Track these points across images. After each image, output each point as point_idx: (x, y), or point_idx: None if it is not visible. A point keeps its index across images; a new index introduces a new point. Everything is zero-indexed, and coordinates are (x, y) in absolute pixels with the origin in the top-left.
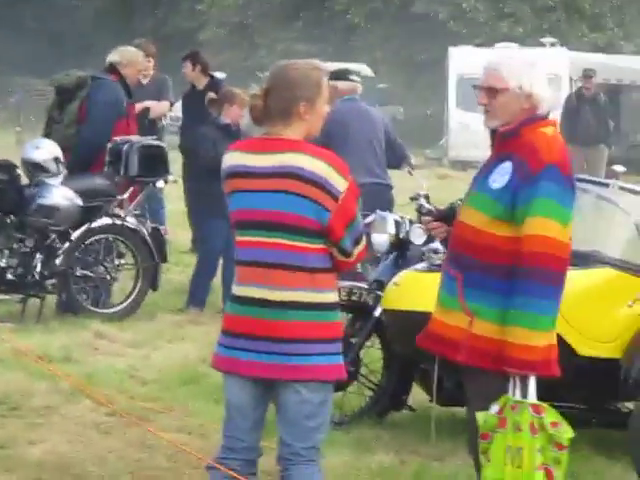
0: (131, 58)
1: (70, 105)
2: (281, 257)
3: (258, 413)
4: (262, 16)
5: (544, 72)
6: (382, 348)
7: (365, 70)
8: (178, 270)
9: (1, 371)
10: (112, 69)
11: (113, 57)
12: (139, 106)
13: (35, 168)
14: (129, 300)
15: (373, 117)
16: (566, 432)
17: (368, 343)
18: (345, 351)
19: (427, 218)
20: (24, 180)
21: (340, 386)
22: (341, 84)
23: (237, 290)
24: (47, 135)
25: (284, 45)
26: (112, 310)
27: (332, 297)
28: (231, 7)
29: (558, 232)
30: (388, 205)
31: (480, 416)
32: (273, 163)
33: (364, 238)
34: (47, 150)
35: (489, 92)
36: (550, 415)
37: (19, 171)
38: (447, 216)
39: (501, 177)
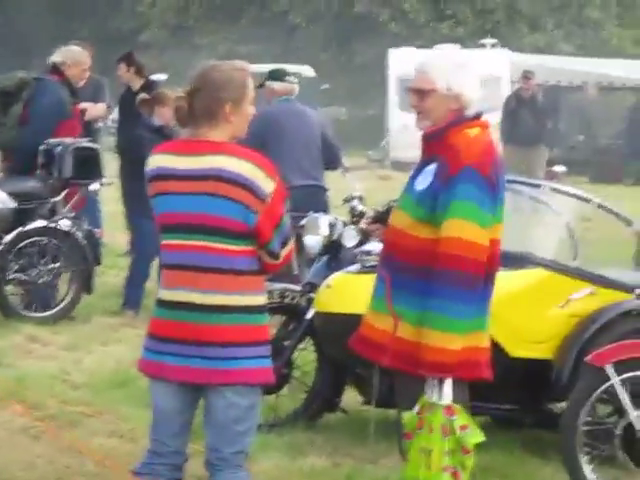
0: (75, 58)
1: (13, 107)
2: (207, 260)
3: (185, 418)
4: (203, 17)
5: (474, 73)
6: (315, 350)
7: (307, 71)
8: (113, 273)
9: None
10: (55, 70)
11: (56, 58)
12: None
13: None
14: (63, 303)
15: (309, 118)
16: (473, 436)
17: (301, 345)
18: (278, 354)
19: (367, 220)
20: None
21: (273, 389)
22: (277, 85)
23: (163, 294)
24: None
25: (226, 46)
26: (46, 313)
27: (260, 300)
28: (172, 8)
29: (475, 234)
30: (323, 207)
31: (405, 416)
32: (198, 165)
33: (291, 240)
34: None
35: (418, 94)
36: (461, 418)
37: None
38: (385, 217)
39: (424, 179)
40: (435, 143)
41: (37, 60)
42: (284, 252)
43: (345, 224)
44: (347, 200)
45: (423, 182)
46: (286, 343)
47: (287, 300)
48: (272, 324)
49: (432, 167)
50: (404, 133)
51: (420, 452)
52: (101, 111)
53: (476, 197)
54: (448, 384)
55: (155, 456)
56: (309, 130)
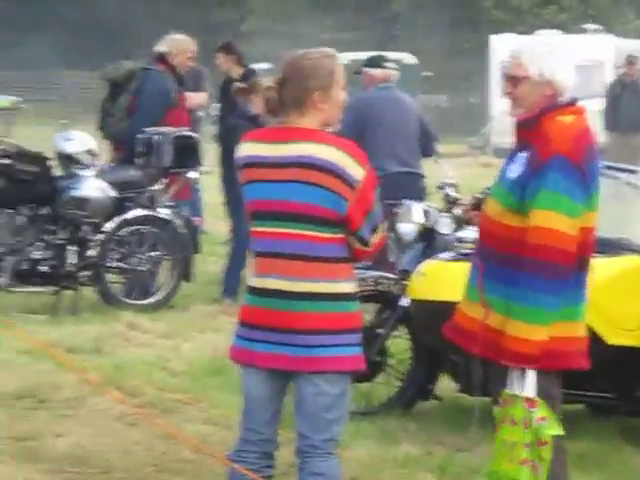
0: (180, 46)
1: (121, 98)
2: (298, 247)
3: (275, 405)
4: (305, 5)
5: (568, 58)
6: (409, 338)
7: (408, 58)
8: (213, 260)
9: (31, 363)
10: (161, 59)
11: (162, 47)
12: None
13: (68, 160)
14: (162, 291)
15: (406, 105)
16: (550, 428)
17: (395, 333)
18: (372, 341)
19: (465, 207)
20: (58, 172)
21: (367, 377)
22: (375, 71)
23: (253, 281)
24: (101, 129)
25: (328, 34)
26: (146, 301)
27: (350, 287)
28: None
29: (563, 225)
30: (419, 194)
31: (494, 409)
32: (288, 153)
33: (382, 227)
34: (79, 142)
35: (512, 81)
36: (541, 410)
37: (52, 163)
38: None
39: (517, 167)
40: (528, 130)
41: (141, 50)
42: (374, 239)
43: (439, 211)
44: (440, 187)
45: (515, 170)
46: (380, 331)
47: (381, 288)
48: (366, 312)
49: (524, 155)
50: (506, 120)
51: (503, 445)
52: (202, 100)
53: (565, 187)
54: (531, 376)
55: (247, 444)
56: (406, 117)
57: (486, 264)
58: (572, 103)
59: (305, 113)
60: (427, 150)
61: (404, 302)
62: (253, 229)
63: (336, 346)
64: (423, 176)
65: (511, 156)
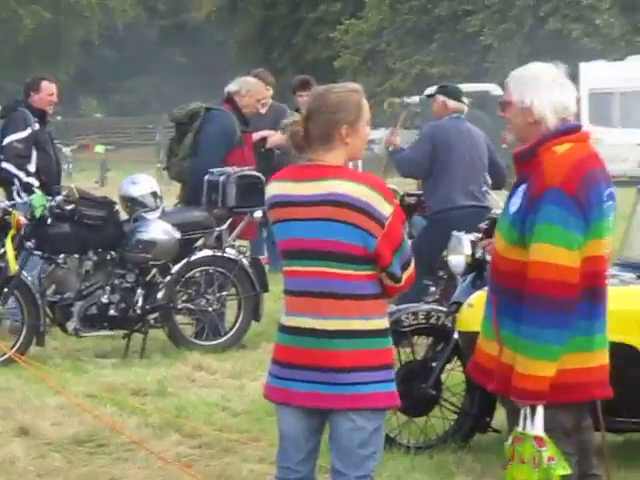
0: (250, 88)
1: (186, 138)
2: (329, 285)
3: (312, 444)
4: (395, 41)
5: (556, 87)
6: (463, 371)
7: (496, 90)
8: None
9: (94, 408)
10: (229, 99)
11: (232, 87)
12: (256, 135)
13: (133, 203)
14: (232, 331)
15: (477, 138)
16: (559, 468)
17: (449, 366)
18: (426, 375)
19: (479, 236)
20: (123, 216)
21: (422, 411)
22: (452, 103)
23: (286, 320)
24: (167, 169)
25: (418, 68)
26: (215, 342)
27: (382, 323)
28: (365, 33)
29: (561, 257)
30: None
31: (505, 445)
32: (316, 191)
33: (413, 262)
34: (144, 185)
35: (502, 105)
36: (550, 449)
37: (118, 207)
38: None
39: (516, 201)
40: (525, 162)
41: None
42: (406, 275)
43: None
44: (490, 218)
45: (514, 204)
46: (434, 364)
47: (433, 321)
48: (419, 345)
49: (522, 188)
50: (596, 147)
51: None
52: (279, 139)
53: (560, 219)
54: (540, 413)
55: None
56: (476, 149)
57: (498, 299)
58: (572, 131)
59: (332, 148)
60: (498, 183)
61: (456, 335)
62: (285, 268)
63: (372, 383)
64: (490, 209)
65: (513, 189)
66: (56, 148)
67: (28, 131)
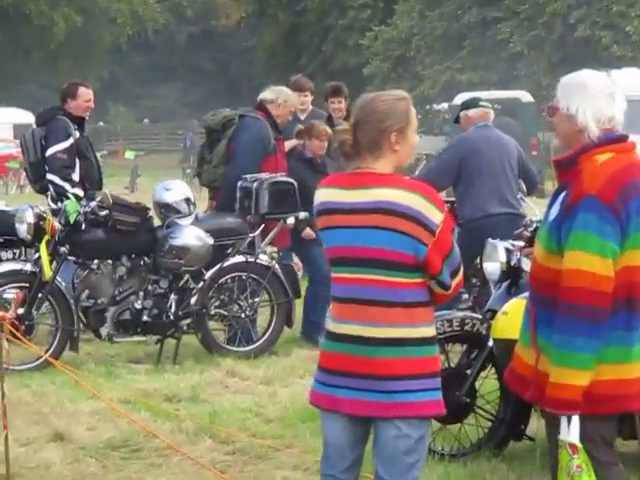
0: (287, 98)
1: (218, 145)
2: (378, 293)
3: (357, 452)
4: (424, 47)
5: (602, 96)
6: (498, 378)
7: (525, 96)
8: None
9: (128, 413)
10: (261, 106)
11: (268, 95)
12: (290, 143)
13: (166, 209)
14: (265, 337)
15: (506, 144)
16: (585, 476)
17: (484, 374)
18: (461, 382)
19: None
20: (157, 222)
21: (457, 418)
22: (471, 112)
23: (333, 327)
24: (198, 175)
25: (447, 75)
26: (248, 348)
27: (430, 331)
28: (394, 40)
29: (595, 265)
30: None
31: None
32: (366, 199)
33: (461, 269)
34: (178, 191)
35: (549, 110)
36: (580, 458)
37: (151, 213)
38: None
39: (555, 209)
40: (566, 170)
41: None
42: (455, 282)
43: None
44: (526, 225)
45: (554, 212)
46: (468, 372)
47: (467, 328)
48: (454, 353)
49: (562, 195)
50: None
51: None
52: (293, 143)
53: (596, 227)
54: (574, 422)
55: None
56: (506, 156)
57: (536, 307)
58: (616, 140)
59: (380, 156)
60: (529, 189)
61: (491, 342)
62: (333, 275)
63: (419, 391)
64: (524, 216)
65: (553, 197)
66: (96, 154)
67: (70, 140)
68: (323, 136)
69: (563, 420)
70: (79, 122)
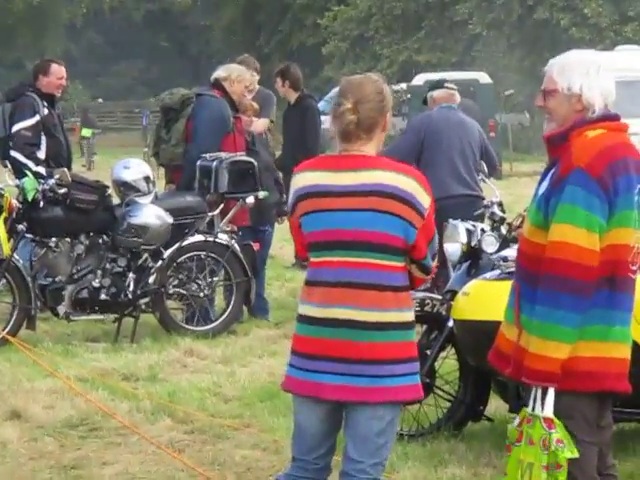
0: (239, 75)
1: (176, 124)
2: (371, 277)
3: (333, 438)
4: (383, 28)
5: (601, 72)
6: (457, 359)
7: (483, 77)
8: (278, 284)
9: (86, 391)
10: (217, 85)
11: (220, 73)
12: (262, 122)
13: (125, 188)
14: (224, 316)
15: (467, 126)
16: (567, 451)
17: (443, 354)
18: (420, 363)
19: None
20: (116, 200)
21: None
22: (436, 93)
23: (312, 311)
24: (155, 155)
25: (405, 55)
26: (207, 327)
27: (411, 316)
28: (353, 20)
29: (580, 238)
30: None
31: (508, 427)
32: (360, 181)
33: (437, 253)
34: (137, 169)
35: (543, 94)
36: (560, 432)
37: (110, 191)
38: None
39: (545, 183)
40: (556, 146)
41: None
42: (433, 267)
43: (484, 230)
44: (487, 206)
45: (543, 187)
46: (428, 352)
47: (427, 309)
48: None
49: (552, 171)
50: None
51: (518, 466)
52: (261, 126)
53: (583, 200)
54: (551, 395)
55: (300, 470)
56: (467, 138)
57: (521, 284)
58: (607, 118)
59: (372, 137)
60: (490, 171)
61: (451, 323)
62: (315, 259)
63: (402, 376)
64: (483, 198)
65: (543, 173)
66: (66, 132)
67: (36, 118)
68: (249, 110)
69: (538, 394)
70: (50, 99)
